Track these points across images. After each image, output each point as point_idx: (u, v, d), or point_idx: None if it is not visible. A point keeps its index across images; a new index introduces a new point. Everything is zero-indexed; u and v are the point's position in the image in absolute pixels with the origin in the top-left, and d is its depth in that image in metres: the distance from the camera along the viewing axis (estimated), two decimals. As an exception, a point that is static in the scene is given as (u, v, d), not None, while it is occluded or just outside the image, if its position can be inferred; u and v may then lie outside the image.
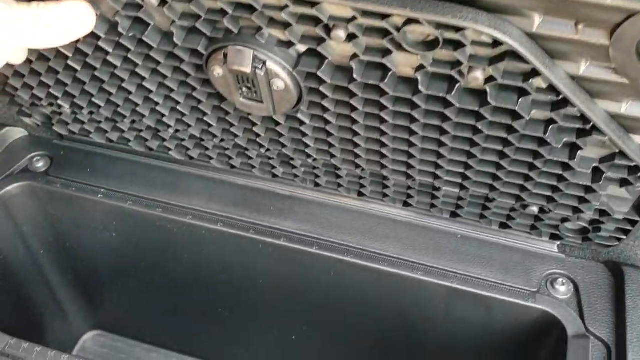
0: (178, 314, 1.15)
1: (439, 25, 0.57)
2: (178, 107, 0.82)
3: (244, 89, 0.71)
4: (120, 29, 0.70)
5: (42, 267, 1.10)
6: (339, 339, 1.06)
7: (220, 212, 0.94)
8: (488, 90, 0.63)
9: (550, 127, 0.65)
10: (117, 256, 1.06)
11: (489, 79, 0.62)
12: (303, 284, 0.96)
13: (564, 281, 0.87)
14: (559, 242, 0.89)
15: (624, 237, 0.82)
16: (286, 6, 0.61)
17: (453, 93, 0.64)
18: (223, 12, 0.64)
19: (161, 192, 0.96)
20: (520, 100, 0.63)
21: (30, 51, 0.81)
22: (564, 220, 0.83)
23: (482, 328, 0.90)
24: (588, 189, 0.74)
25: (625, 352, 0.78)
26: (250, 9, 0.62)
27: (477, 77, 0.61)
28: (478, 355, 0.95)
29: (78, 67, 0.80)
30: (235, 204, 0.95)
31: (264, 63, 0.67)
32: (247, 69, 0.66)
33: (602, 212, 0.78)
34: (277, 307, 1.04)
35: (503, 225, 0.89)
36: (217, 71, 0.69)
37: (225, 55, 0.67)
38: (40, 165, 1.01)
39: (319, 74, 0.66)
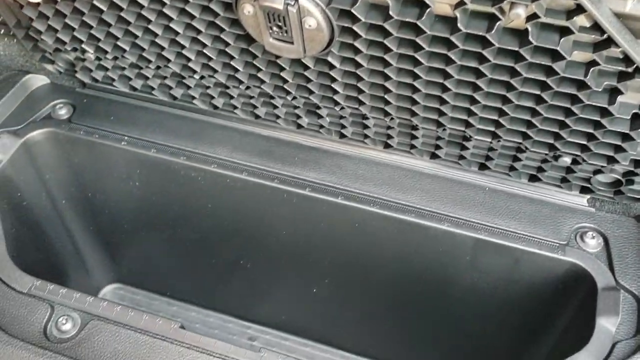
0: (199, 267, 1.16)
1: (482, -43, 0.55)
2: (204, 51, 0.81)
3: (274, 29, 0.69)
4: (148, -34, 0.69)
5: (64, 218, 1.10)
6: (361, 292, 1.06)
7: (244, 162, 0.93)
8: (529, 28, 0.61)
9: (592, 69, 0.64)
10: (140, 206, 1.06)
11: (531, 17, 0.60)
12: (327, 235, 0.95)
13: (594, 235, 0.86)
14: (589, 196, 0.87)
15: (657, 191, 0.81)
16: (322, -63, 0.59)
17: (493, 32, 0.62)
18: (256, -55, 0.62)
19: (185, 140, 0.96)
20: (562, 39, 0.61)
21: (55, -8, 0.80)
22: (597, 172, 0.81)
23: (508, 280, 0.90)
24: (625, 137, 0.72)
25: None
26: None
27: (519, 14, 0.59)
28: (504, 308, 0.95)
29: (104, 8, 0.79)
30: (259, 154, 0.94)
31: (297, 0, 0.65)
32: (279, 5, 0.65)
33: (637, 163, 0.77)
34: (299, 259, 1.03)
35: (533, 178, 0.87)
36: (247, 9, 0.68)
37: (258, -8, 0.65)
38: (63, 112, 1.00)
39: (353, 10, 0.65)
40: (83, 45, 0.88)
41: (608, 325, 0.77)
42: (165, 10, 0.76)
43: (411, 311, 1.04)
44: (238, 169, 0.93)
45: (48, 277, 0.85)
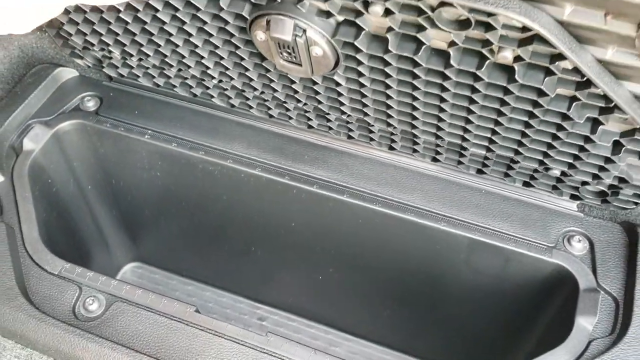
0: (213, 250, 1.23)
1: (472, 9, 0.60)
2: (222, 62, 0.86)
3: (284, 53, 0.75)
4: (170, -10, 0.74)
5: (90, 202, 1.17)
6: (363, 282, 1.13)
7: (258, 158, 1.00)
8: (516, 68, 0.66)
9: (574, 103, 0.69)
10: (160, 194, 1.13)
11: (517, 58, 0.65)
12: (332, 229, 1.02)
13: (580, 239, 0.91)
14: (578, 202, 0.93)
15: (640, 202, 0.86)
16: (327, -17, 0.64)
17: (483, 69, 0.67)
18: (268, -17, 0.67)
19: (204, 136, 1.02)
20: (546, 79, 0.66)
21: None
22: (584, 183, 0.86)
23: (499, 278, 0.96)
24: (608, 160, 0.77)
25: (632, 307, 0.83)
26: (294, -18, 0.66)
27: (506, 56, 0.64)
28: (492, 303, 1.01)
29: (129, 20, 0.85)
30: (272, 150, 1.00)
31: (304, 31, 0.70)
32: (288, 38, 0.70)
33: (621, 179, 0.82)
34: (306, 249, 1.10)
35: (526, 184, 0.93)
36: (260, 36, 0.73)
37: (268, 22, 0.71)
38: (91, 104, 1.06)
39: (356, 43, 0.70)
40: (109, 48, 0.94)
41: (586, 324, 0.83)
42: (185, 28, 0.81)
43: (408, 301, 1.11)
44: (252, 164, 0.99)
45: (74, 257, 0.92)
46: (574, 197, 0.92)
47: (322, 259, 1.11)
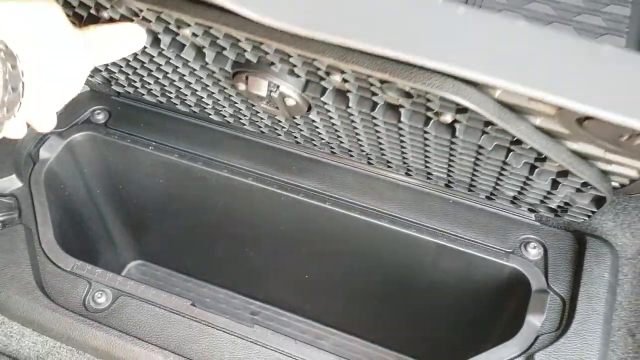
0: (210, 250, 1.34)
1: (412, 87, 0.69)
2: (214, 95, 0.97)
3: (263, 102, 0.85)
4: (162, 45, 0.84)
5: (98, 204, 1.28)
6: (344, 280, 1.24)
7: (251, 168, 1.10)
8: (457, 127, 0.76)
9: (511, 153, 0.79)
10: (162, 199, 1.24)
11: (457, 120, 0.75)
12: (316, 233, 1.13)
13: (536, 245, 1.02)
14: (535, 213, 1.03)
15: (588, 218, 0.96)
16: (291, 56, 0.74)
17: (429, 126, 0.77)
18: (244, 49, 0.77)
19: (203, 148, 1.13)
20: (483, 136, 0.76)
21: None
22: (535, 203, 0.96)
23: (462, 279, 1.07)
24: (549, 192, 0.88)
25: (576, 305, 0.94)
26: (265, 52, 0.75)
27: (447, 119, 0.74)
28: (457, 302, 1.13)
29: (130, 58, 0.95)
30: (264, 162, 1.11)
31: (278, 87, 0.80)
32: (263, 94, 0.80)
33: (566, 202, 0.92)
34: (293, 250, 1.22)
35: (488, 198, 1.03)
36: (241, 87, 0.83)
37: (247, 78, 0.81)
38: (101, 117, 1.17)
39: (322, 99, 0.80)
40: (115, 74, 1.04)
41: (535, 321, 0.93)
42: (179, 70, 0.91)
43: (385, 298, 1.22)
44: (245, 174, 1.10)
45: (84, 255, 1.01)
46: (531, 210, 1.02)
47: (308, 260, 1.22)
